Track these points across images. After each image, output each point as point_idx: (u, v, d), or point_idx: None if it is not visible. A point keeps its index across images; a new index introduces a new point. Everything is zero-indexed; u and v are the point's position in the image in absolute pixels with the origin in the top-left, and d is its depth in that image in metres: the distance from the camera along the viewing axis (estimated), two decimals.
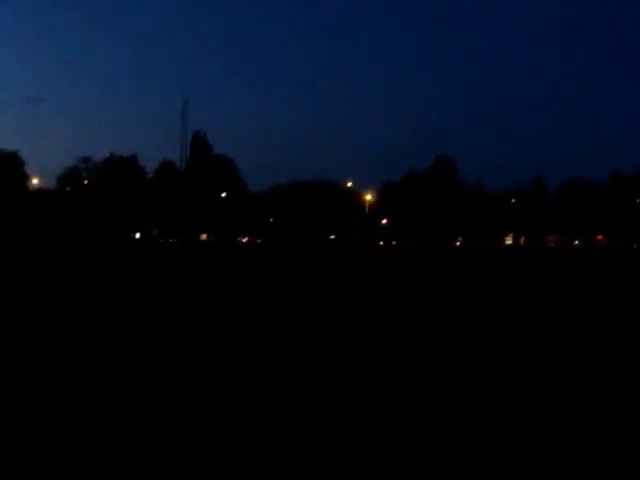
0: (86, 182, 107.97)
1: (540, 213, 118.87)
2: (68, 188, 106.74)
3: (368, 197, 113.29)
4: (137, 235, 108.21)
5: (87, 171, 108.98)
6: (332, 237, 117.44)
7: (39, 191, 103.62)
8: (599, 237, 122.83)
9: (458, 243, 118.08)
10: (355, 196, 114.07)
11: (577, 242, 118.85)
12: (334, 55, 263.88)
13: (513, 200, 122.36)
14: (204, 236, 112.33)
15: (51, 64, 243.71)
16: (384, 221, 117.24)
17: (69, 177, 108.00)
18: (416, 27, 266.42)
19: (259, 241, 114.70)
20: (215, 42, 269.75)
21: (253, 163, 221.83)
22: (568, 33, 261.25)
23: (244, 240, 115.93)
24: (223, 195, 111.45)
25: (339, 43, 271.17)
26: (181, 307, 15.39)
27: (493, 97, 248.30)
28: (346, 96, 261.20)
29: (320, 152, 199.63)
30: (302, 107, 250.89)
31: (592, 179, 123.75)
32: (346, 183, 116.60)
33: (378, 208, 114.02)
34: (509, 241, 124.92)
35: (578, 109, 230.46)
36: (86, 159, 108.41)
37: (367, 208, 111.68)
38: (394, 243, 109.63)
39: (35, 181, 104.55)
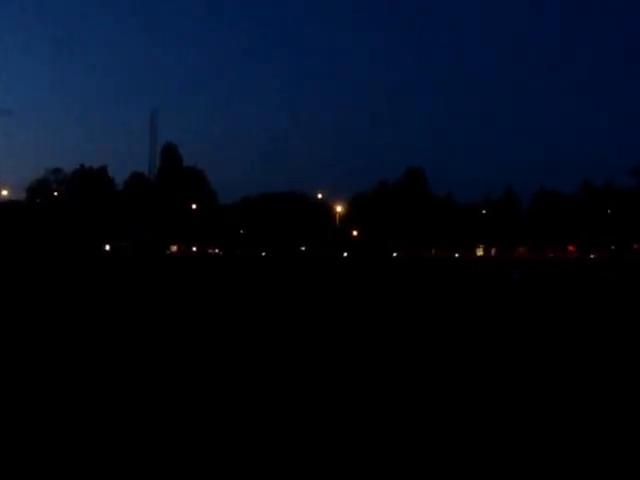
0: (56, 194, 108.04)
1: (511, 224, 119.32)
2: (38, 200, 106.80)
3: (339, 209, 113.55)
4: (107, 247, 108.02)
5: (57, 183, 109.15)
6: (303, 249, 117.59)
7: (9, 202, 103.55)
8: (571, 248, 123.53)
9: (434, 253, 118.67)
10: (326, 208, 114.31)
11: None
12: (304, 68, 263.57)
13: (484, 211, 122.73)
14: (174, 247, 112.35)
15: (20, 75, 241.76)
16: (355, 233, 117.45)
17: (39, 189, 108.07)
18: (387, 41, 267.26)
19: (217, 251, 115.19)
20: (186, 54, 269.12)
21: (224, 175, 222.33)
22: (536, 49, 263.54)
23: (216, 251, 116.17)
24: (193, 207, 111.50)
25: (309, 57, 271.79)
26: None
27: (463, 110, 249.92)
28: (316, 109, 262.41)
29: (291, 164, 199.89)
30: (273, 120, 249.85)
31: (563, 190, 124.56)
32: (317, 195, 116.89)
33: (349, 220, 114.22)
34: (480, 252, 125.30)
35: (547, 121, 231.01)
36: (56, 171, 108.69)
37: (338, 220, 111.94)
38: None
39: (4, 192, 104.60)
